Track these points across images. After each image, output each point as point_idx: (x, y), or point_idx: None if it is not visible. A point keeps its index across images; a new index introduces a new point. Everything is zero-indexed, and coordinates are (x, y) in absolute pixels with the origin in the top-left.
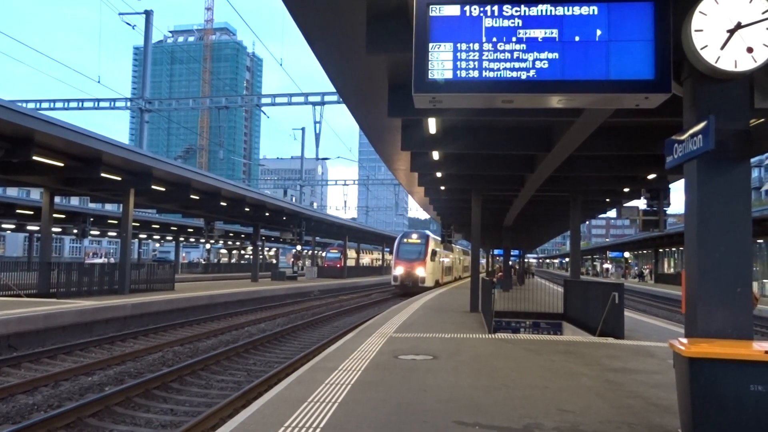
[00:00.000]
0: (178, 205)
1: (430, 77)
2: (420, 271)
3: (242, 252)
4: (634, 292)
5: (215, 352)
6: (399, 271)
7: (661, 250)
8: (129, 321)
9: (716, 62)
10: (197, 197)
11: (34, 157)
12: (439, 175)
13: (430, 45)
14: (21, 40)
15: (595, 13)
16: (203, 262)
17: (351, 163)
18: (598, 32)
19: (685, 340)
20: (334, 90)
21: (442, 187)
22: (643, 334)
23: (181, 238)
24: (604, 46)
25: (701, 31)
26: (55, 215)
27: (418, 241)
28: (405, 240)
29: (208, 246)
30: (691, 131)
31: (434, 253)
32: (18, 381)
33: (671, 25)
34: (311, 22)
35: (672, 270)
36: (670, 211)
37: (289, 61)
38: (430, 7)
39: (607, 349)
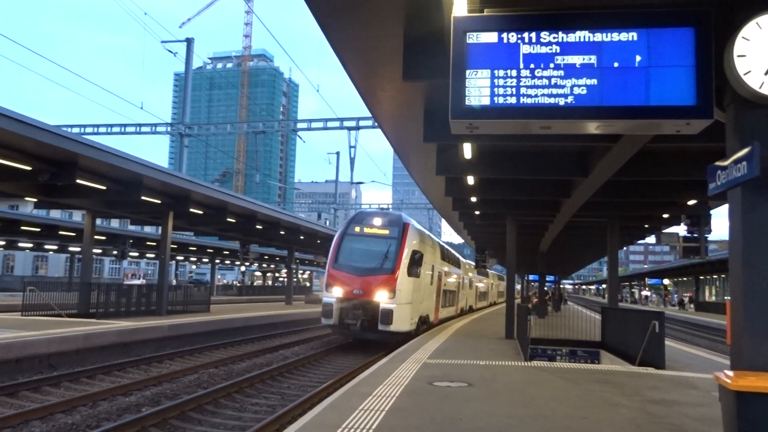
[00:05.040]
0: (215, 228)
1: (467, 103)
2: (382, 297)
3: (276, 275)
4: (674, 321)
5: (250, 374)
6: (337, 293)
7: (702, 278)
8: (166, 342)
9: (760, 88)
10: (233, 220)
11: (78, 181)
12: (473, 199)
13: (467, 72)
14: (67, 67)
15: (635, 39)
16: (238, 285)
17: (385, 186)
18: (638, 58)
19: (731, 373)
20: (370, 115)
21: (477, 212)
22: (685, 364)
23: (217, 261)
24: (644, 72)
25: (744, 56)
26: (96, 237)
27: (384, 231)
28: (356, 229)
29: (243, 268)
30: (734, 157)
31: (416, 258)
32: (57, 400)
33: (713, 50)
34: (349, 49)
35: (714, 298)
36: (711, 237)
37: (324, 85)
38: (467, 34)
39: (647, 380)
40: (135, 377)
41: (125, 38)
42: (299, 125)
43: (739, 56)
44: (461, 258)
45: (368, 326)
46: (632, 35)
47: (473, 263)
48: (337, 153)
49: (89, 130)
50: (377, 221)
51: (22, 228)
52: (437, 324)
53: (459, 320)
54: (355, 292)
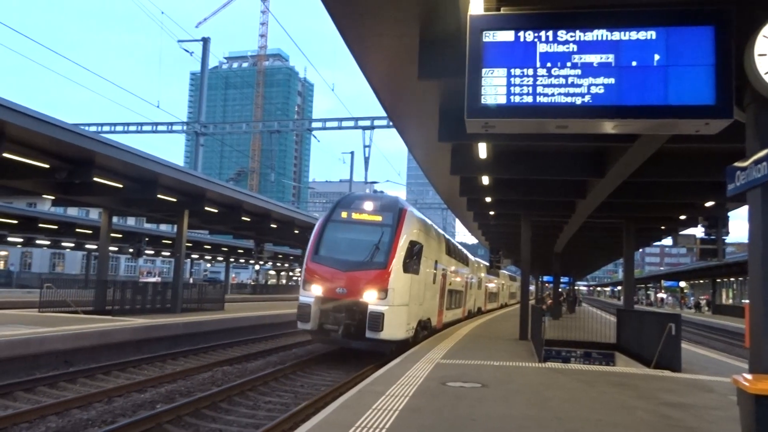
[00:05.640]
0: (230, 227)
1: (483, 102)
2: (371, 297)
3: (291, 273)
4: (690, 324)
5: (263, 372)
6: (317, 291)
7: (719, 280)
8: (180, 340)
9: None
10: (248, 219)
11: (95, 179)
12: (488, 200)
13: (484, 70)
14: (85, 66)
15: (653, 37)
16: (252, 283)
17: (399, 186)
18: (656, 57)
19: (749, 376)
20: (384, 114)
21: (491, 213)
22: (701, 367)
23: (232, 259)
24: (663, 71)
25: (765, 55)
26: (112, 235)
27: (376, 217)
28: (342, 214)
29: (257, 267)
30: (754, 158)
31: (415, 250)
32: (73, 396)
33: (733, 49)
34: (364, 48)
35: (731, 301)
36: (729, 239)
37: (339, 85)
38: (484, 33)
39: (663, 382)
40: (150, 374)
41: (142, 38)
42: (314, 124)
43: (759, 55)
44: (470, 255)
45: (354, 332)
46: (651, 34)
47: (483, 261)
48: (352, 152)
49: (106, 128)
50: (368, 205)
51: (40, 225)
52: (441, 329)
53: (468, 323)
54: (338, 290)
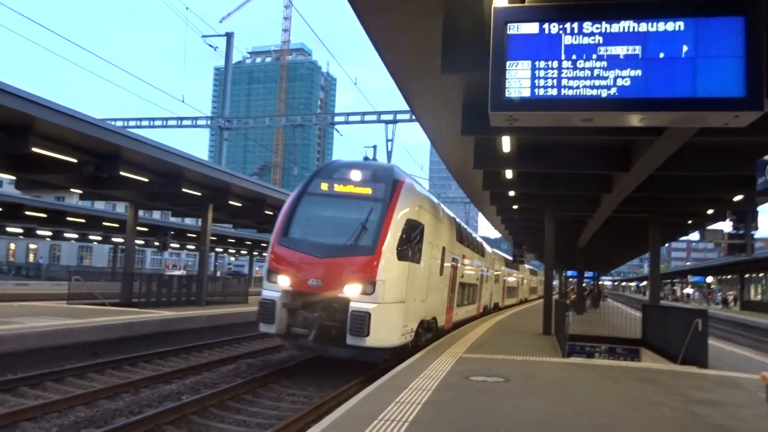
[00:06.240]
0: (253, 221)
1: (507, 95)
2: (353, 291)
3: None
4: (717, 320)
5: (287, 365)
6: (284, 283)
7: (747, 276)
8: (205, 332)
9: None
10: (271, 213)
11: (122, 173)
12: (511, 194)
13: (508, 63)
14: (111, 61)
15: (681, 28)
16: None
17: (422, 180)
18: (685, 48)
19: None
20: (407, 108)
21: (515, 207)
22: (729, 364)
23: (255, 253)
24: (691, 62)
25: None
26: (138, 228)
27: (364, 190)
28: (321, 186)
29: None
30: None
31: (413, 232)
32: (101, 387)
33: (764, 39)
34: (388, 42)
35: (759, 297)
36: (758, 234)
37: (362, 79)
38: (508, 25)
39: (689, 379)
40: (175, 366)
41: (167, 33)
42: (337, 119)
43: None
44: (486, 245)
45: (334, 337)
46: (679, 25)
47: (501, 253)
48: (374, 146)
49: (132, 123)
50: (355, 175)
51: (68, 219)
52: (450, 329)
53: (487, 319)
54: (311, 282)
